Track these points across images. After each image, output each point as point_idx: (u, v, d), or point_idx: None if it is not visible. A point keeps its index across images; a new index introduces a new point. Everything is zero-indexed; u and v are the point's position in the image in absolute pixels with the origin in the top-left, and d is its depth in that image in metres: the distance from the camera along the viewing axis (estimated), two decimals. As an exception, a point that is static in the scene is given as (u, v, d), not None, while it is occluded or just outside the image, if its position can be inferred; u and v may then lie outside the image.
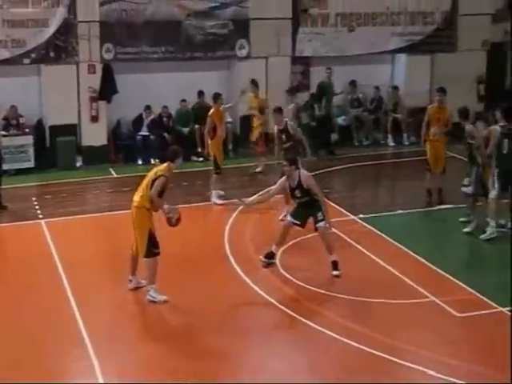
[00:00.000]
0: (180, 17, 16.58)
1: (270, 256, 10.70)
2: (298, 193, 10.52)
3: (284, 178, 10.63)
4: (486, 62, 18.87)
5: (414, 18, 18.24)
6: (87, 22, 15.99)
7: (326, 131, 17.42)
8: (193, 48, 16.73)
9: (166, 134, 16.43)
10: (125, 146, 16.70)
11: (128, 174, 15.45)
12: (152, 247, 9.47)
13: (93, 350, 8.45)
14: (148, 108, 16.60)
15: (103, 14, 16.06)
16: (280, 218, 12.13)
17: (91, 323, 9.06)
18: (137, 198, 9.55)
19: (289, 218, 10.74)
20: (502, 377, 7.86)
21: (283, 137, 12.67)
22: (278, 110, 12.97)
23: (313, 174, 11.21)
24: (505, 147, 11.33)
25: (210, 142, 13.71)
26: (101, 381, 7.90)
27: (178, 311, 9.66)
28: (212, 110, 13.83)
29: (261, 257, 10.73)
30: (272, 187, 11.11)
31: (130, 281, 9.88)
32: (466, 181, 12.16)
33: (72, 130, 16.14)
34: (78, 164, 16.15)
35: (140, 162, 16.31)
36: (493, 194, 12.06)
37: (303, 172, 10.57)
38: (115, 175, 15.65)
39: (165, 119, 16.72)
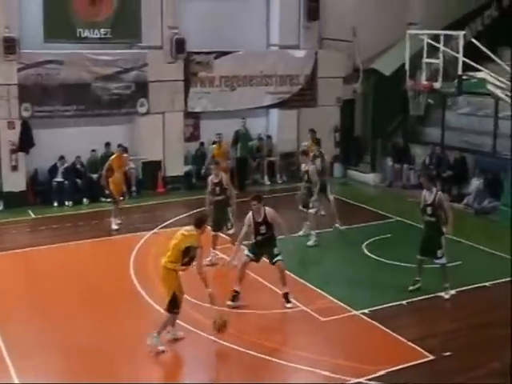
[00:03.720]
0: (89, 80, 16.46)
1: (235, 296, 10.03)
2: (263, 228, 9.97)
3: (249, 215, 10.05)
4: (340, 115, 19.32)
5: (283, 80, 18.55)
6: (7, 85, 15.65)
7: (243, 171, 17.68)
8: (100, 106, 16.63)
9: (78, 180, 16.25)
10: (42, 191, 16.29)
11: (44, 215, 15.22)
12: (173, 307, 8.79)
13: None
14: (62, 158, 16.34)
15: (21, 78, 15.75)
16: (208, 260, 11.23)
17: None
18: (165, 259, 8.82)
19: (246, 252, 10.14)
20: (359, 367, 8.21)
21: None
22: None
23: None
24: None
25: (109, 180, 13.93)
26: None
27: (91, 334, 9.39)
28: (113, 156, 14.09)
29: (228, 302, 9.90)
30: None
31: (168, 332, 9.00)
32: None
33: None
34: (0, 208, 15.69)
35: (56, 204, 16.01)
36: (312, 209, 12.83)
37: (267, 208, 10.11)
38: (33, 216, 15.26)
39: (78, 167, 16.54)
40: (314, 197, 13.01)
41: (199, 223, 8.91)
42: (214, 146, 16.20)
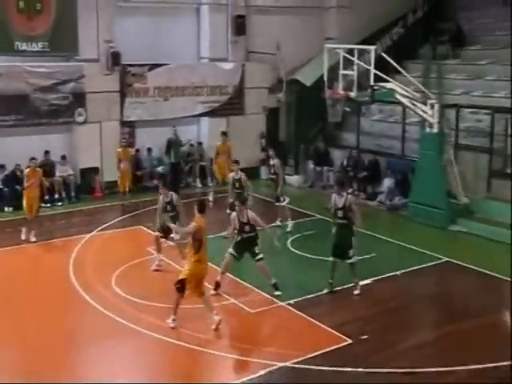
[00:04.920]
0: (28, 91, 15.98)
1: (217, 286, 10.22)
2: (247, 228, 10.07)
3: (234, 215, 10.19)
4: (266, 122, 19.42)
5: (213, 90, 18.49)
6: None
7: (177, 176, 17.51)
8: (39, 116, 16.16)
9: (18, 187, 15.68)
10: (-18, 198, 15.74)
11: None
12: (178, 287, 8.96)
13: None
14: (2, 166, 15.85)
15: (-40, 90, 15.26)
16: (153, 268, 11.26)
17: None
18: None
19: (231, 250, 10.25)
20: (284, 353, 8.31)
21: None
22: None
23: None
24: None
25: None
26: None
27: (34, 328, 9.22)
28: (27, 170, 13.35)
29: (211, 291, 10.03)
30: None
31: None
32: None
33: None
34: None
35: (-4, 211, 15.49)
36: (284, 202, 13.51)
37: (249, 211, 10.24)
38: (-26, 222, 14.74)
39: (18, 174, 15.98)
40: (279, 190, 13.69)
41: (202, 208, 9.14)
42: (218, 143, 16.31)
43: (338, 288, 10.53)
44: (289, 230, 13.62)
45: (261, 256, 10.19)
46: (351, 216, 10.15)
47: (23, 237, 13.09)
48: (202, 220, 9.07)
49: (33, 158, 13.78)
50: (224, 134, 16.79)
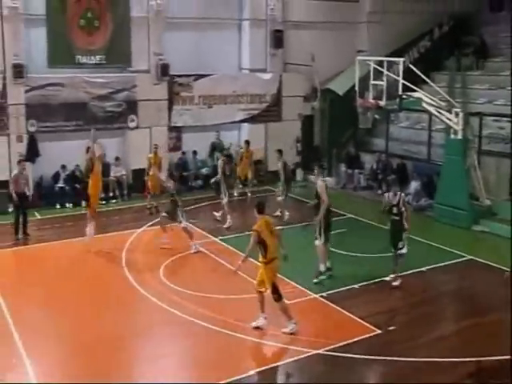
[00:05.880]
0: (86, 100, 16.40)
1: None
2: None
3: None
4: (301, 128, 19.36)
5: (252, 99, 18.60)
6: (16, 104, 15.57)
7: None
8: (96, 122, 16.43)
9: (77, 185, 16.12)
10: (46, 195, 16.12)
11: (49, 216, 15.07)
12: (276, 295, 8.64)
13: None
14: (63, 166, 16.29)
15: (28, 99, 15.69)
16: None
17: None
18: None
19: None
20: (317, 341, 8.31)
21: None
22: None
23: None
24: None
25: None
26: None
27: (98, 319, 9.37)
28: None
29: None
30: None
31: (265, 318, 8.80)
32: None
33: (4, 184, 15.14)
34: (10, 210, 15.44)
35: (58, 207, 15.87)
36: (280, 197, 13.40)
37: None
38: (39, 217, 15.10)
39: (77, 174, 16.42)
40: (281, 188, 14.38)
41: (261, 209, 8.74)
42: (242, 149, 16.61)
43: (367, 282, 10.52)
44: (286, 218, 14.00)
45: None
46: (403, 212, 10.35)
47: (90, 232, 12.86)
48: (262, 221, 8.61)
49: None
50: (247, 142, 16.59)
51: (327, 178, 11.15)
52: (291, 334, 8.59)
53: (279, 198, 14.57)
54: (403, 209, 10.37)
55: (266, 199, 8.95)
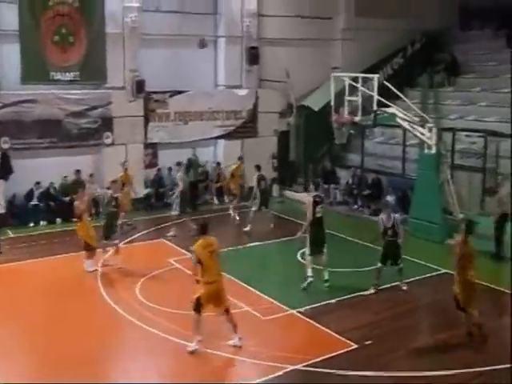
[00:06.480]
0: (61, 116, 16.29)
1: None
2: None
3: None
4: (277, 144, 19.52)
5: (228, 115, 18.68)
6: (-13, 121, 15.44)
7: (195, 193, 17.60)
8: (71, 139, 16.45)
9: (51, 203, 15.99)
10: (19, 213, 15.89)
11: (22, 234, 14.89)
12: (195, 308, 8.51)
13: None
14: (37, 183, 16.12)
15: (1, 115, 15.50)
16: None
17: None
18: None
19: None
20: (294, 357, 8.36)
21: None
22: None
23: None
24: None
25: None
26: None
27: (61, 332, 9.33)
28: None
29: None
30: None
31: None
32: None
33: (-25, 202, 15.20)
34: (-18, 228, 15.25)
35: (32, 225, 15.68)
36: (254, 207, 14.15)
37: None
38: (12, 235, 14.88)
39: (51, 191, 16.30)
40: (255, 202, 14.91)
41: (204, 230, 8.62)
42: (234, 166, 16.72)
43: (344, 297, 10.62)
44: (247, 229, 14.61)
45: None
46: (398, 233, 10.86)
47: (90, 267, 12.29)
48: (202, 241, 8.47)
49: (65, 177, 13.74)
50: (240, 158, 16.96)
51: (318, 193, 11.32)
52: (191, 352, 8.48)
53: (252, 209, 14.91)
54: (398, 230, 10.84)
55: (208, 220, 9.02)
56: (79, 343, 8.92)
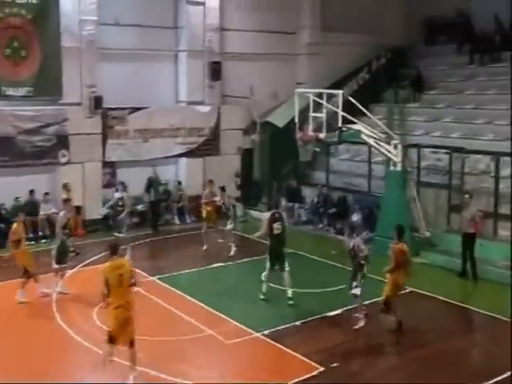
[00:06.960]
0: (13, 134, 16.02)
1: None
2: None
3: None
4: (240, 162, 19.60)
5: (190, 132, 18.65)
6: None
7: (156, 213, 17.57)
8: (24, 157, 16.16)
9: (1, 225, 15.64)
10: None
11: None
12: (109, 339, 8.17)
13: None
14: (-13, 204, 15.80)
15: None
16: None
17: None
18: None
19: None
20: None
21: None
22: None
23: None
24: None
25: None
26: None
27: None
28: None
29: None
30: None
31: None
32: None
33: None
34: None
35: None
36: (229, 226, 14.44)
37: None
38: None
39: (3, 213, 15.95)
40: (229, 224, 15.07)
41: (113, 250, 8.48)
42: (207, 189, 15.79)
43: (309, 319, 10.64)
44: (231, 254, 14.51)
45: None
46: (358, 255, 10.52)
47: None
48: (110, 263, 8.25)
49: (17, 198, 13.45)
50: (210, 181, 16.23)
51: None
52: None
53: (228, 227, 14.98)
54: (359, 253, 10.62)
55: (118, 241, 8.92)
56: (32, 368, 8.70)
